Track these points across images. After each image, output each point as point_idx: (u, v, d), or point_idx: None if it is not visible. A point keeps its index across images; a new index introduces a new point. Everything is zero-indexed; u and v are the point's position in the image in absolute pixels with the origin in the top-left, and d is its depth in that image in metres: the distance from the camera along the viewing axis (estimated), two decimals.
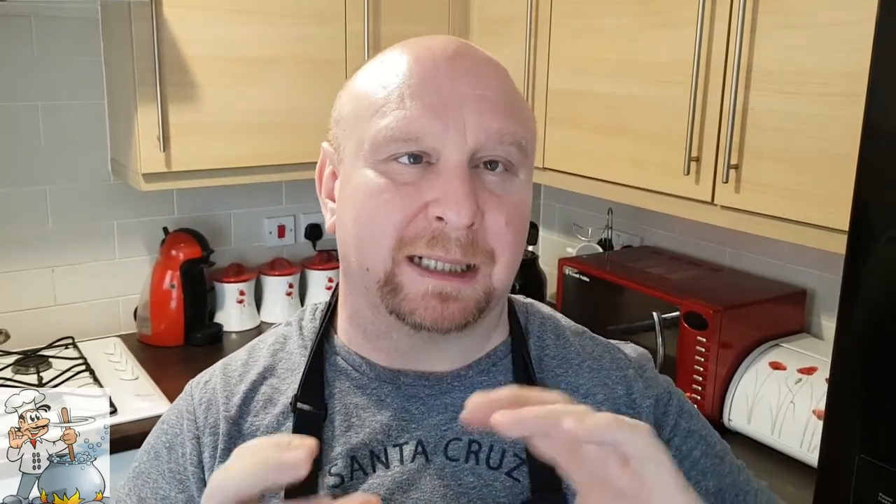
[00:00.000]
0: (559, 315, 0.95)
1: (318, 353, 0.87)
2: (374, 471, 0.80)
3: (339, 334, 0.89)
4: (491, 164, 0.77)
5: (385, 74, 0.79)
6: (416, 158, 0.76)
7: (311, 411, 0.83)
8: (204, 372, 0.92)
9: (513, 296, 0.93)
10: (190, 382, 0.92)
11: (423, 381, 0.84)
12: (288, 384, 0.86)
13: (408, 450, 0.81)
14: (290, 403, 0.84)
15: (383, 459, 0.81)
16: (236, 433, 0.84)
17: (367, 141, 0.77)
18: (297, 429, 0.82)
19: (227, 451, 0.83)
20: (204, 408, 0.87)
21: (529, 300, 0.96)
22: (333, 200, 0.85)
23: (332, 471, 0.81)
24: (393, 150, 0.76)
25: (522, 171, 0.80)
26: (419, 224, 0.75)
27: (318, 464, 0.80)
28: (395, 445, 0.81)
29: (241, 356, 0.92)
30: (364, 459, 0.81)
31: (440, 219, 0.74)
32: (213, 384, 0.89)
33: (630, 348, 0.94)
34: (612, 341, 0.94)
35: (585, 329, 0.95)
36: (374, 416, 0.83)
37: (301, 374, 0.86)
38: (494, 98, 0.77)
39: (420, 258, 0.76)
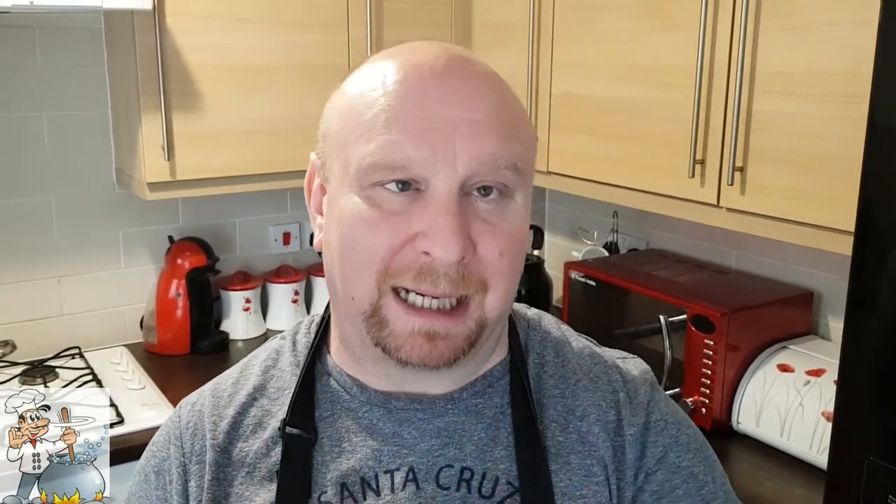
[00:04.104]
0: (564, 327, 0.91)
1: (310, 372, 0.84)
2: (365, 499, 0.78)
3: (331, 352, 0.86)
4: (484, 190, 0.73)
5: (371, 93, 0.74)
6: (404, 185, 0.72)
7: (300, 436, 0.80)
8: (196, 391, 0.90)
9: (516, 308, 0.90)
10: (181, 401, 0.90)
11: (415, 405, 0.80)
12: (279, 405, 0.84)
13: (399, 477, 0.78)
14: (279, 428, 0.81)
15: (374, 487, 0.78)
16: (225, 461, 0.82)
17: (353, 165, 0.73)
18: (286, 455, 0.80)
19: (216, 481, 0.81)
20: (190, 433, 0.85)
21: (533, 312, 0.92)
22: (322, 214, 0.81)
23: (321, 499, 0.78)
24: (379, 178, 0.72)
25: (519, 193, 0.76)
26: (406, 256, 0.72)
27: (308, 491, 0.78)
28: (386, 472, 0.79)
29: (232, 375, 0.89)
30: (354, 486, 0.78)
31: (427, 253, 0.71)
32: (199, 406, 0.86)
33: (633, 366, 0.88)
34: (618, 357, 0.90)
35: (590, 343, 0.90)
36: (366, 440, 0.80)
37: (292, 395, 0.83)
38: (487, 120, 0.72)
39: (406, 292, 0.72)
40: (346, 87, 0.79)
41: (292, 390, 0.83)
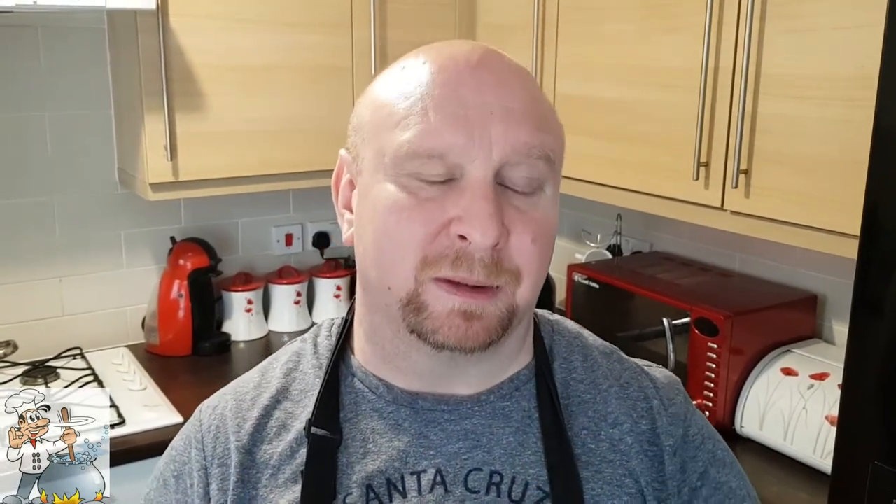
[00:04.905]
0: (586, 333, 0.92)
1: (334, 373, 0.84)
2: (391, 500, 0.77)
3: (355, 353, 0.86)
4: (516, 182, 0.74)
5: (407, 83, 0.75)
6: (439, 174, 0.73)
7: (325, 436, 0.80)
8: (215, 395, 0.90)
9: (538, 312, 0.90)
10: (200, 406, 0.89)
11: (441, 406, 0.80)
12: (302, 408, 0.84)
13: (426, 479, 0.78)
14: (305, 429, 0.81)
15: (400, 488, 0.78)
16: (250, 463, 0.82)
17: (389, 154, 0.74)
18: (312, 456, 0.79)
19: (241, 483, 0.81)
20: (212, 435, 0.85)
21: (556, 317, 0.92)
22: (351, 210, 0.81)
23: (346, 500, 0.78)
24: (416, 167, 0.72)
25: (549, 185, 0.77)
26: (442, 242, 0.72)
27: (333, 492, 0.78)
28: (412, 473, 0.78)
29: (253, 378, 0.89)
30: (380, 488, 0.78)
31: (463, 238, 0.71)
32: (221, 410, 0.86)
33: (661, 373, 0.90)
34: (642, 363, 0.91)
35: (615, 349, 0.91)
36: (391, 441, 0.80)
37: (316, 397, 0.83)
38: (521, 109, 0.74)
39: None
40: (379, 81, 0.80)
41: (315, 392, 0.83)
